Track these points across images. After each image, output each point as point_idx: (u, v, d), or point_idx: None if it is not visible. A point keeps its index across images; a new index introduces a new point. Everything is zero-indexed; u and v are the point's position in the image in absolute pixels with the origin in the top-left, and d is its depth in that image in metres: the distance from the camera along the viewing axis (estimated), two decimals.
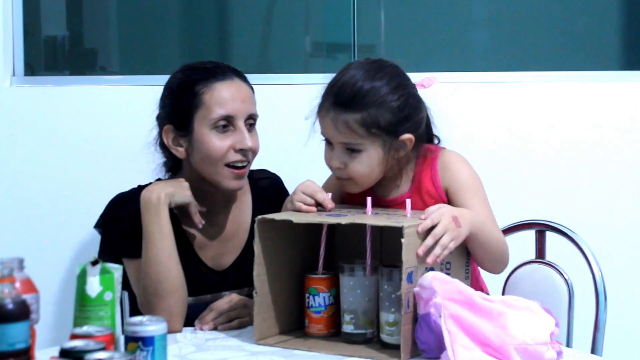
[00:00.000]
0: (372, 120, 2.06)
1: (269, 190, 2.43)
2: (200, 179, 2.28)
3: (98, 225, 2.34)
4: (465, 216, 1.98)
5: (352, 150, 2.09)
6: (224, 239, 2.35)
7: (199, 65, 2.32)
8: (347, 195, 2.20)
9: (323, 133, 2.13)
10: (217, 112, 2.23)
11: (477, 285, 2.19)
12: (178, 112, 2.27)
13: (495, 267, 2.11)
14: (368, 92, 2.07)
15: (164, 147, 2.34)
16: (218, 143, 2.23)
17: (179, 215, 2.28)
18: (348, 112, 2.06)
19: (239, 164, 2.25)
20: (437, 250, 1.91)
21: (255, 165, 2.60)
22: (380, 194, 2.17)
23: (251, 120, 2.30)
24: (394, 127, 2.07)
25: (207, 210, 2.30)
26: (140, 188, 2.30)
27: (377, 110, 2.06)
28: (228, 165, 2.24)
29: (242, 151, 2.25)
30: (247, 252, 2.31)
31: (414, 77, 2.19)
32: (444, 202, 2.10)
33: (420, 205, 2.10)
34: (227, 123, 2.24)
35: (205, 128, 2.24)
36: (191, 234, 2.31)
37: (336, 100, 2.08)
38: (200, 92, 2.24)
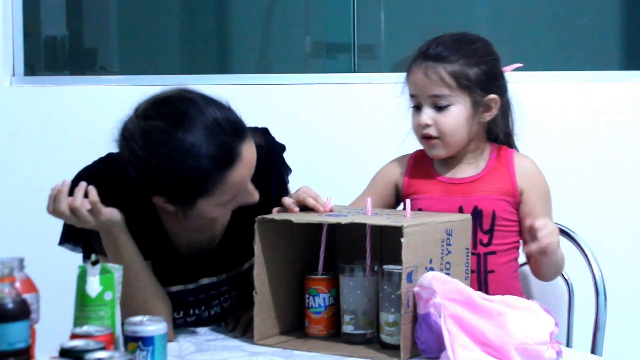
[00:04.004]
0: (462, 72, 2.13)
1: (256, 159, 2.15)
2: None
3: None
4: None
5: (441, 108, 2.14)
6: (201, 227, 2.20)
7: (202, 149, 1.94)
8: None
9: (412, 92, 2.17)
10: (227, 197, 2.01)
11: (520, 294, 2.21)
12: (180, 193, 1.98)
13: (553, 278, 2.22)
14: (459, 46, 2.15)
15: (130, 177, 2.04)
16: (225, 211, 2.09)
17: (154, 201, 2.10)
18: (439, 64, 2.13)
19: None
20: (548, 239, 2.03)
21: None
22: (446, 175, 2.19)
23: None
24: (482, 83, 2.15)
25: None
26: (109, 156, 2.13)
27: (467, 63, 2.14)
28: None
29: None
30: (227, 238, 2.22)
31: None
32: (515, 201, 2.16)
33: (487, 191, 2.16)
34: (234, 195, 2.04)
35: (211, 207, 2.03)
36: (166, 222, 2.17)
37: (427, 55, 2.15)
38: (211, 184, 1.97)
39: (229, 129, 1.98)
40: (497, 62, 2.21)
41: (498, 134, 2.22)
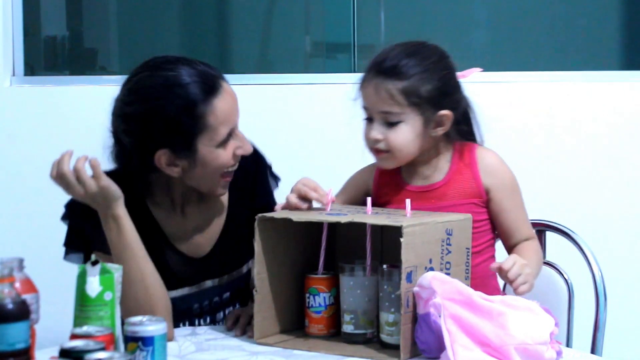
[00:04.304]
0: (413, 89, 2.09)
1: (244, 168, 2.28)
2: (179, 184, 2.21)
3: (64, 217, 2.24)
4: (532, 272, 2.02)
5: (391, 124, 2.11)
6: (199, 228, 2.28)
7: (186, 79, 2.11)
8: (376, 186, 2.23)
9: (364, 105, 2.15)
10: (223, 132, 2.12)
11: (498, 292, 2.21)
12: (177, 137, 2.09)
13: None
14: (410, 62, 2.11)
15: (137, 169, 2.17)
16: (225, 157, 2.14)
17: (149, 205, 2.22)
18: (390, 80, 2.10)
19: (234, 168, 2.19)
20: (520, 279, 1.95)
21: None
22: (412, 183, 2.18)
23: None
24: (434, 100, 2.11)
25: (183, 204, 2.24)
26: (106, 173, 2.14)
27: (418, 80, 2.10)
28: (223, 173, 2.17)
29: (238, 156, 2.19)
30: (224, 238, 2.27)
31: None
32: (483, 201, 2.15)
33: (454, 196, 2.14)
34: (229, 136, 2.15)
35: (211, 147, 2.11)
36: (165, 225, 2.24)
37: (379, 70, 2.12)
38: (202, 114, 2.09)
39: (207, 67, 2.16)
40: (452, 76, 2.16)
41: (456, 141, 2.18)
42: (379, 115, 2.12)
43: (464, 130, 2.20)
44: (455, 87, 2.17)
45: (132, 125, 2.11)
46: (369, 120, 2.15)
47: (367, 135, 2.15)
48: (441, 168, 2.18)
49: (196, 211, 2.27)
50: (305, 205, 2.07)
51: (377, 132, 2.12)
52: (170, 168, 2.12)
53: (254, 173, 2.31)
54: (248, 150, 2.18)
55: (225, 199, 2.30)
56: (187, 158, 2.11)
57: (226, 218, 2.29)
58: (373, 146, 2.15)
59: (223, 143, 2.12)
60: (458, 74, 2.20)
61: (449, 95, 2.14)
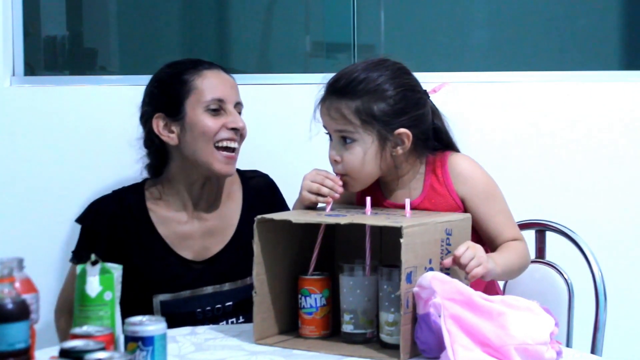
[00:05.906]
0: (365, 109, 2.07)
1: (260, 188, 2.50)
2: (191, 168, 2.35)
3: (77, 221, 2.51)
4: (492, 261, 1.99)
5: (346, 140, 2.09)
6: (210, 232, 2.40)
7: (184, 60, 2.46)
8: (358, 198, 2.20)
9: (322, 124, 2.15)
10: (209, 95, 2.36)
11: (493, 289, 2.20)
12: (169, 100, 2.37)
13: (516, 275, 2.15)
14: (363, 80, 2.08)
15: (150, 146, 2.41)
16: (211, 122, 2.35)
17: (150, 210, 2.37)
18: (342, 100, 2.08)
19: (230, 144, 2.35)
20: (473, 262, 1.92)
21: (255, 163, 2.61)
22: (392, 199, 2.17)
23: (239, 107, 2.43)
24: (388, 119, 2.07)
25: (195, 203, 2.40)
26: (118, 192, 2.43)
27: (371, 99, 2.07)
28: (218, 147, 2.34)
29: (233, 130, 2.36)
30: (230, 247, 2.35)
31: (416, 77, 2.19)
32: (461, 210, 2.12)
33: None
34: (218, 107, 2.36)
35: (198, 110, 2.35)
36: (165, 227, 2.36)
37: (332, 89, 2.11)
38: (191, 79, 2.37)
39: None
40: (409, 93, 2.10)
41: (428, 155, 2.15)
42: (336, 134, 2.11)
43: (435, 146, 2.15)
44: (415, 104, 2.11)
45: (142, 99, 2.44)
46: (330, 138, 2.14)
47: (329, 155, 2.14)
48: (416, 186, 2.15)
49: (207, 215, 2.39)
50: (330, 200, 2.08)
51: (335, 152, 2.10)
52: (168, 135, 2.36)
53: (269, 195, 2.48)
54: (240, 125, 2.37)
55: (238, 212, 2.42)
56: (179, 122, 2.34)
57: (237, 226, 2.41)
58: (334, 168, 2.13)
59: (211, 110, 2.35)
60: (429, 90, 2.15)
61: (406, 113, 2.09)
